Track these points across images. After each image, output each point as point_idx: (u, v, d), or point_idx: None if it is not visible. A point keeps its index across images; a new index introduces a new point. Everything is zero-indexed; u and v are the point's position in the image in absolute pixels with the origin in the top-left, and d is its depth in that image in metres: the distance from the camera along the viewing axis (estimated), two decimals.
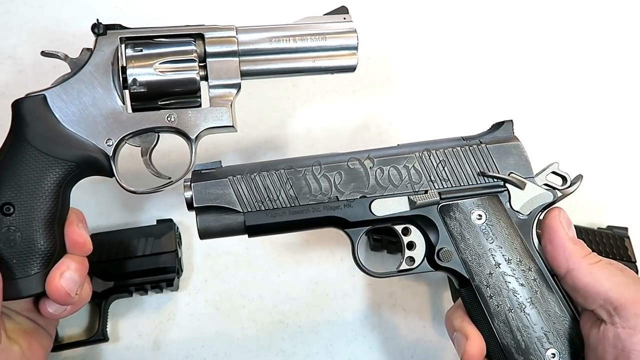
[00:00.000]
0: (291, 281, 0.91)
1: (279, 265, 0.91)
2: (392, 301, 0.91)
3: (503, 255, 0.68)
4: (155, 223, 0.88)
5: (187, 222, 0.92)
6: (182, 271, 0.89)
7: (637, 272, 0.88)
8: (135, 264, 0.84)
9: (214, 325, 0.88)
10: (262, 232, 0.71)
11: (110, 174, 0.74)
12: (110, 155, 0.73)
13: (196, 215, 0.70)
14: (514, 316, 0.67)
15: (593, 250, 0.86)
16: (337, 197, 0.70)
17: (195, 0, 1.03)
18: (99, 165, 0.73)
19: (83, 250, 0.70)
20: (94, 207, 0.91)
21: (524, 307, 0.67)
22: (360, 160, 0.71)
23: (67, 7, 1.00)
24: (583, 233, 0.88)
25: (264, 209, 0.69)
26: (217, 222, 0.70)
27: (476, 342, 0.68)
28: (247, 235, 0.71)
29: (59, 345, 0.83)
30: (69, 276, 0.67)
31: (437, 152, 0.71)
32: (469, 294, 0.69)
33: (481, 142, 0.72)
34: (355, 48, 0.78)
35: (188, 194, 0.69)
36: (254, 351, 0.88)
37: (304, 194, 0.70)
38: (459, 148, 0.71)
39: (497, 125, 0.74)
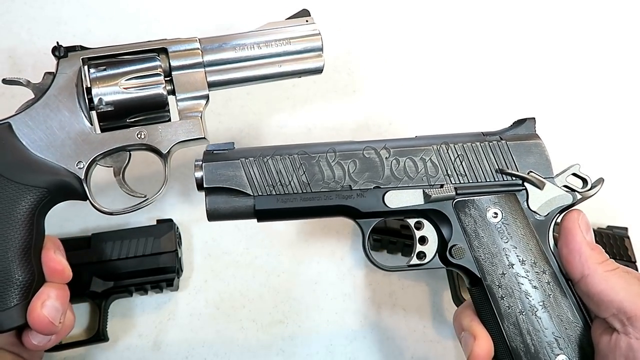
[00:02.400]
0: (291, 281, 0.91)
1: (279, 265, 0.91)
2: (392, 301, 0.91)
3: (517, 256, 0.67)
4: (155, 223, 0.88)
5: (187, 222, 0.92)
6: (182, 271, 0.89)
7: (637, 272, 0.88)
8: (135, 264, 0.84)
9: (214, 325, 0.88)
10: (271, 217, 0.70)
11: (83, 197, 0.73)
12: (82, 178, 0.72)
13: (205, 196, 0.69)
14: (524, 319, 0.66)
15: None
16: (350, 185, 0.69)
17: (187, 4, 1.03)
18: (71, 189, 0.72)
19: (62, 277, 0.69)
20: (93, 206, 0.91)
21: (535, 310, 0.66)
22: (377, 150, 0.70)
23: (67, 7, 1.00)
24: None
25: (274, 193, 0.69)
26: (227, 204, 0.69)
27: (484, 343, 0.66)
28: (256, 220, 0.70)
29: (59, 345, 0.83)
30: (51, 304, 0.66)
31: (456, 146, 0.70)
32: (480, 294, 0.68)
33: (501, 139, 0.70)
34: (321, 49, 0.78)
35: (199, 174, 0.69)
36: (254, 351, 0.88)
37: (317, 180, 0.69)
38: (478, 143, 0.70)
39: (519, 122, 0.72)
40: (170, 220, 0.88)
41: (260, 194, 0.69)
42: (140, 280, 0.84)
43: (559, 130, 0.94)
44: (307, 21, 0.79)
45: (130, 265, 0.83)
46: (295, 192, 0.69)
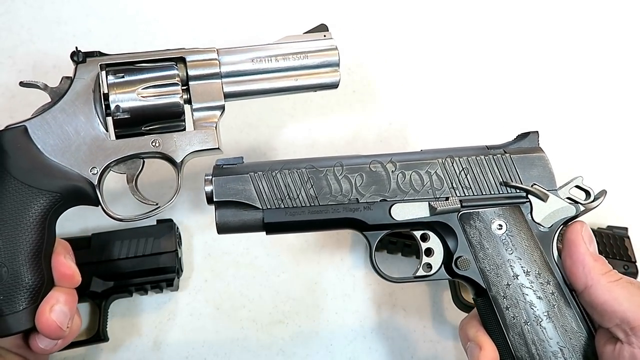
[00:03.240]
0: (291, 281, 0.91)
1: (279, 265, 0.91)
2: (392, 301, 0.91)
3: (522, 267, 0.68)
4: (155, 223, 0.88)
5: (187, 222, 0.92)
6: (182, 271, 0.89)
7: (637, 272, 0.88)
8: (135, 264, 0.84)
9: (214, 325, 0.88)
10: (280, 230, 0.71)
11: (96, 202, 0.73)
12: (95, 183, 0.72)
13: (215, 209, 0.70)
14: (529, 329, 0.66)
15: None
16: (357, 199, 0.70)
17: (187, 4, 1.03)
18: (84, 194, 0.72)
19: (72, 282, 0.69)
20: (94, 207, 0.91)
21: (540, 320, 0.66)
22: (383, 164, 0.71)
23: (67, 7, 1.00)
24: None
25: (283, 207, 0.69)
26: (236, 218, 0.70)
27: (490, 353, 0.67)
28: (265, 233, 0.71)
29: None
30: (59, 309, 0.66)
31: (461, 159, 0.71)
32: (485, 304, 0.69)
33: (505, 152, 0.71)
34: (337, 65, 0.78)
35: (208, 188, 0.70)
36: (254, 351, 0.88)
37: (324, 194, 0.70)
38: (482, 156, 0.71)
39: (523, 136, 0.73)
40: (170, 220, 0.88)
41: (269, 207, 0.69)
42: (140, 280, 0.84)
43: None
44: (324, 36, 0.79)
45: (130, 265, 0.84)
46: (304, 205, 0.70)
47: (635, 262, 0.89)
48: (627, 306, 0.62)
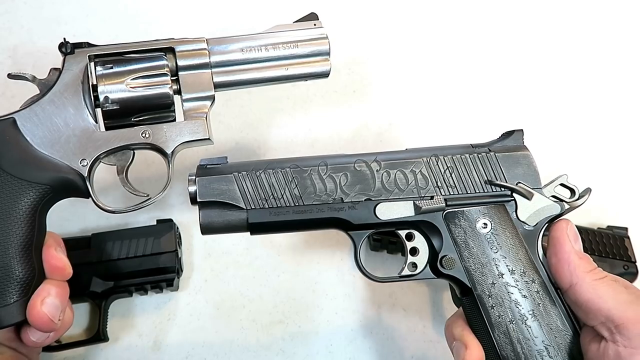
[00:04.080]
0: (291, 281, 0.91)
1: (279, 265, 0.91)
2: (392, 301, 0.91)
3: (507, 266, 0.68)
4: (155, 223, 0.88)
5: (187, 222, 0.92)
6: (182, 271, 0.89)
7: (637, 272, 0.88)
8: (135, 264, 0.84)
9: (214, 325, 0.88)
10: (264, 231, 0.71)
11: (86, 194, 0.73)
12: (85, 175, 0.71)
13: (199, 210, 0.69)
14: (515, 328, 0.66)
15: (593, 251, 0.87)
16: (341, 198, 0.70)
17: (187, 4, 1.03)
18: (74, 186, 0.71)
19: (63, 275, 0.69)
20: (94, 207, 0.90)
21: (525, 319, 0.66)
22: (367, 163, 0.71)
23: (67, 7, 1.00)
24: (583, 233, 0.88)
25: (267, 206, 0.69)
26: (220, 218, 0.69)
27: (475, 352, 0.67)
28: (249, 233, 0.71)
29: (59, 345, 0.83)
30: (51, 302, 0.66)
31: (445, 158, 0.71)
32: (471, 303, 0.69)
33: (490, 151, 0.71)
34: (328, 54, 0.78)
35: (192, 188, 0.69)
36: (254, 351, 0.88)
37: (309, 193, 0.70)
38: (467, 155, 0.71)
39: (507, 134, 0.73)
40: (170, 220, 0.88)
41: (253, 207, 0.69)
42: (140, 280, 0.84)
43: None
44: (315, 25, 0.79)
45: (130, 265, 0.83)
46: (288, 205, 0.69)
47: (635, 262, 0.89)
48: (612, 304, 0.62)
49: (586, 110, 1.02)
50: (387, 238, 0.87)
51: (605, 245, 0.88)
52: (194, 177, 0.70)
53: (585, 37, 1.06)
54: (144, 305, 0.89)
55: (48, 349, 0.83)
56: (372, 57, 1.02)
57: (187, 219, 0.92)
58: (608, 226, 0.93)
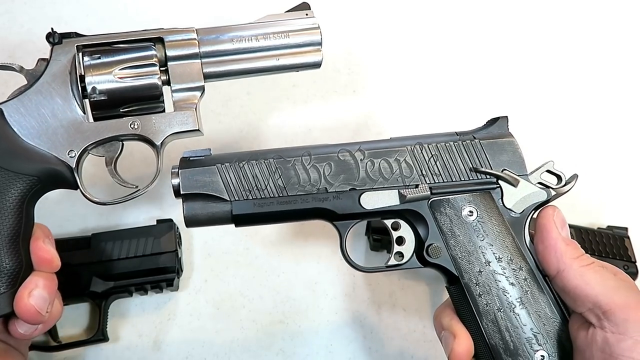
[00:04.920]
0: (291, 281, 0.91)
1: (279, 265, 0.91)
2: (392, 301, 0.91)
3: (494, 253, 0.67)
4: (155, 223, 0.88)
5: None
6: (182, 271, 0.89)
7: (637, 272, 0.88)
8: (135, 264, 0.84)
9: (214, 325, 0.88)
10: (249, 222, 0.71)
11: (74, 186, 0.72)
12: (74, 167, 0.71)
13: (182, 202, 0.69)
14: (503, 316, 0.66)
15: (593, 251, 0.86)
16: (326, 188, 0.69)
17: (187, 4, 1.03)
18: (62, 177, 0.71)
19: (51, 267, 0.68)
20: (94, 207, 0.90)
21: (513, 307, 0.66)
22: (351, 152, 0.70)
23: (67, 7, 1.00)
24: (583, 233, 0.88)
25: (251, 198, 0.69)
26: (204, 210, 0.69)
27: (464, 342, 0.67)
28: (234, 225, 0.70)
29: (59, 345, 0.83)
30: (38, 294, 0.65)
31: (430, 146, 0.70)
32: (458, 292, 0.69)
33: (475, 138, 0.71)
34: (320, 44, 0.77)
35: (175, 180, 0.69)
36: (254, 351, 0.88)
37: (293, 184, 0.69)
38: (451, 143, 0.71)
39: (492, 121, 0.73)
40: (170, 220, 0.88)
41: (237, 199, 0.69)
42: (140, 280, 0.84)
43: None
44: (306, 14, 0.78)
45: (130, 265, 0.83)
46: (272, 196, 0.69)
47: (635, 262, 0.89)
48: (599, 290, 0.61)
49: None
50: (387, 238, 0.87)
51: (605, 245, 0.88)
52: (177, 170, 0.69)
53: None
54: (144, 305, 0.89)
55: (48, 349, 0.83)
56: (373, 58, 1.02)
57: None
58: (608, 226, 0.92)
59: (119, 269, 0.83)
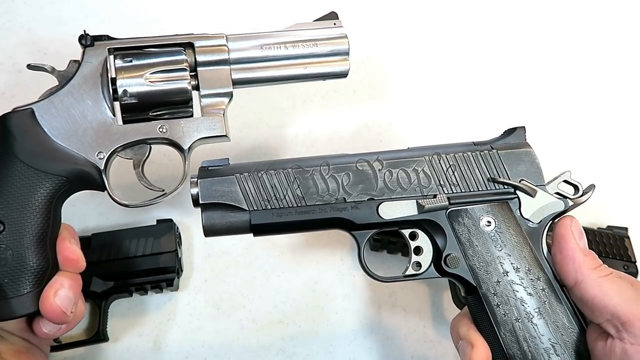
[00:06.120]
0: (291, 281, 0.91)
1: (279, 265, 0.91)
2: (392, 301, 0.91)
3: (511, 264, 0.67)
4: (155, 223, 0.88)
5: (187, 222, 0.92)
6: (182, 271, 0.89)
7: (637, 272, 0.88)
8: (135, 264, 0.84)
9: (214, 325, 0.88)
10: (267, 232, 0.71)
11: (102, 187, 0.73)
12: (102, 168, 0.71)
13: (202, 212, 0.69)
14: (521, 326, 0.66)
15: (593, 250, 0.86)
16: (344, 198, 0.69)
17: (187, 4, 1.03)
18: (90, 179, 0.71)
19: (76, 267, 0.69)
20: (94, 207, 0.91)
21: (531, 317, 0.66)
22: (369, 162, 0.71)
23: (67, 7, 1.00)
24: None
25: (270, 207, 0.69)
26: (223, 220, 0.69)
27: (482, 351, 0.66)
28: (252, 234, 0.70)
29: (59, 345, 0.83)
30: (64, 294, 0.65)
31: (447, 156, 0.70)
32: (476, 302, 0.68)
33: (492, 148, 0.71)
34: (347, 53, 0.78)
35: (194, 190, 0.69)
36: (254, 351, 0.88)
37: (311, 194, 0.69)
38: (469, 153, 0.71)
39: (510, 132, 0.73)
40: (170, 220, 0.88)
41: (255, 208, 0.69)
42: (140, 280, 0.84)
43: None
44: (334, 24, 0.78)
45: (130, 265, 0.83)
46: (291, 206, 0.69)
47: (635, 262, 0.89)
48: (617, 301, 0.61)
49: (587, 108, 1.02)
50: (387, 238, 0.87)
51: (605, 245, 0.88)
52: (196, 179, 0.69)
53: (590, 34, 1.06)
54: (144, 305, 0.89)
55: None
56: (372, 58, 1.02)
57: (188, 219, 0.92)
58: (608, 226, 0.92)
59: (119, 269, 0.83)
